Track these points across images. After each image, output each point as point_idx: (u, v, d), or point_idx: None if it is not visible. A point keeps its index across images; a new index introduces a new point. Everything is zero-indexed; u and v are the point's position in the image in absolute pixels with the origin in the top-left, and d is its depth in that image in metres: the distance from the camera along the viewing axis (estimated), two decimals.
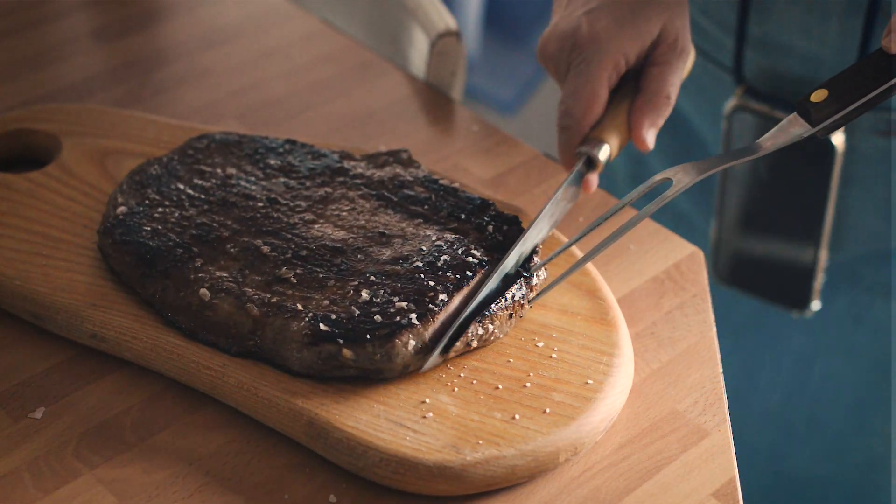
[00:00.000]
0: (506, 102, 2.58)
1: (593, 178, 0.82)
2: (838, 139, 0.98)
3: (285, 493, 0.69)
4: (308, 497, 0.69)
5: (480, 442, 0.69)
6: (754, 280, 0.98)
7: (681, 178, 0.77)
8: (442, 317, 0.73)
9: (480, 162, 0.95)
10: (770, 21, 0.98)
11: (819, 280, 1.06)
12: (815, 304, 1.07)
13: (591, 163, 0.81)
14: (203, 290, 0.74)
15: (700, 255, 0.87)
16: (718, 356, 0.79)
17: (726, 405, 0.76)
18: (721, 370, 0.78)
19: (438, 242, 0.77)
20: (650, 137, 0.82)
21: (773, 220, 1.06)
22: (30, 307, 0.77)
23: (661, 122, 0.82)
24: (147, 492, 0.69)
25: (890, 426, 1.12)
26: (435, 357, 0.72)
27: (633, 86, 0.83)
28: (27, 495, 0.69)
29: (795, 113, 0.77)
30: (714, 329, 0.81)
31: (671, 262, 0.86)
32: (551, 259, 0.79)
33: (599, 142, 0.80)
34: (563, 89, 0.82)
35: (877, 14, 0.93)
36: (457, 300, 0.74)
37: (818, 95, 0.76)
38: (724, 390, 0.77)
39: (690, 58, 0.85)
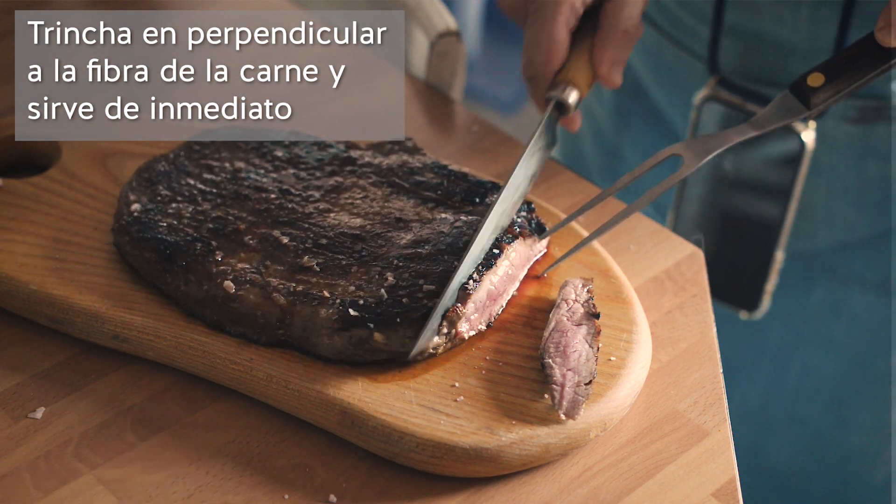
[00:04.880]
0: (506, 102, 2.58)
1: (574, 120, 0.83)
2: (809, 136, 0.99)
3: (285, 493, 0.69)
4: (308, 497, 0.69)
5: (513, 422, 0.70)
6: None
7: (690, 156, 0.78)
8: (474, 298, 0.73)
9: (480, 162, 0.95)
10: (746, 9, 0.98)
11: (772, 281, 1.06)
12: (765, 306, 1.07)
13: (562, 106, 0.82)
14: (227, 283, 0.75)
15: (700, 255, 0.87)
16: (718, 356, 0.79)
17: (726, 405, 0.76)
18: (721, 370, 0.78)
19: (457, 224, 0.78)
20: (615, 74, 0.82)
21: (732, 218, 1.06)
22: (47, 311, 0.77)
23: (624, 56, 0.82)
24: (147, 492, 0.69)
25: (870, 420, 1.12)
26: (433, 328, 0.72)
27: (594, 22, 0.83)
28: (27, 495, 0.69)
29: (788, 92, 0.79)
30: (714, 329, 0.81)
31: (671, 262, 0.86)
32: (553, 231, 0.81)
33: (566, 84, 0.81)
34: (524, 35, 0.82)
35: (854, 2, 0.93)
36: (486, 281, 0.75)
37: (815, 80, 0.79)
38: (723, 390, 0.77)
39: None
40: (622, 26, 0.82)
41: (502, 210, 0.77)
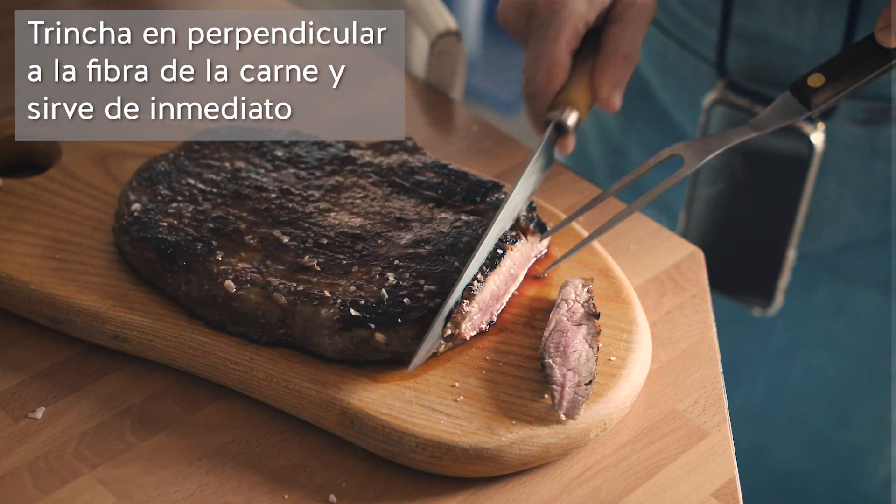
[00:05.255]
0: (506, 102, 2.58)
1: (569, 142, 0.82)
2: (818, 138, 0.99)
3: (285, 493, 0.69)
4: (308, 497, 0.69)
5: (513, 422, 0.70)
6: (718, 275, 1.00)
7: (690, 156, 0.79)
8: (478, 298, 0.73)
9: (480, 162, 0.95)
10: (752, 12, 0.98)
11: (785, 278, 1.06)
12: (779, 303, 1.08)
13: (561, 127, 0.81)
14: (228, 283, 0.75)
15: (700, 255, 0.87)
16: (718, 356, 0.79)
17: (726, 405, 0.76)
18: (721, 370, 0.78)
19: (457, 224, 0.78)
20: (615, 98, 0.82)
21: (743, 216, 1.07)
22: (48, 311, 0.77)
23: (624, 80, 0.82)
24: (147, 492, 0.69)
25: (871, 419, 1.12)
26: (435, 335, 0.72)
27: (595, 44, 0.83)
28: (27, 495, 0.69)
29: (789, 93, 0.79)
30: (714, 329, 0.81)
31: (671, 262, 0.87)
32: (555, 231, 0.81)
33: (566, 106, 0.80)
34: (525, 56, 0.82)
35: (860, 4, 0.94)
36: (491, 281, 0.75)
37: (815, 80, 0.79)
38: (724, 390, 0.77)
39: (651, 11, 0.84)
40: (624, 50, 0.81)
41: (499, 230, 0.77)
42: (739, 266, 0.94)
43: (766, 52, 1.00)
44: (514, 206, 0.78)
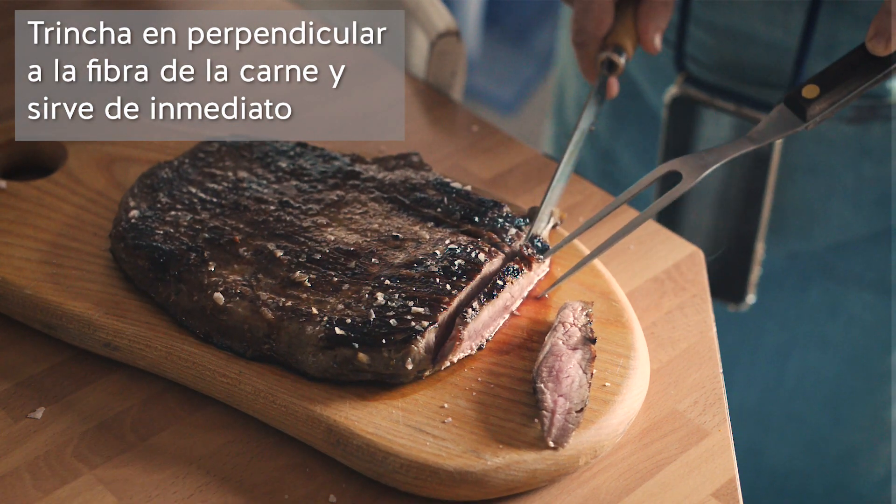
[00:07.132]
0: (506, 102, 2.58)
1: (614, 82, 0.90)
2: None
3: (285, 493, 0.69)
4: (308, 497, 0.69)
5: (501, 447, 0.68)
6: None
7: (688, 171, 0.79)
8: (470, 327, 0.73)
9: (480, 162, 0.95)
10: (723, 8, 0.99)
11: (755, 273, 1.06)
12: (751, 298, 1.07)
13: (611, 67, 0.90)
14: (217, 295, 0.74)
15: (700, 255, 0.87)
16: (718, 356, 0.79)
17: (726, 405, 0.76)
18: (721, 370, 0.78)
19: (452, 246, 0.77)
20: (657, 40, 0.90)
21: (711, 212, 1.07)
22: (41, 317, 0.77)
23: (665, 24, 0.90)
24: (147, 492, 0.69)
25: (866, 419, 1.12)
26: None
27: None
28: (27, 495, 0.69)
29: (783, 105, 0.80)
30: (714, 329, 0.81)
31: (671, 262, 0.87)
32: (556, 250, 0.80)
33: (616, 46, 0.89)
34: (573, 7, 0.90)
35: (820, 5, 0.94)
36: (485, 312, 0.74)
37: (810, 91, 0.79)
38: (724, 390, 0.77)
39: None
40: None
41: (573, 157, 0.86)
42: (711, 263, 0.95)
43: (726, 41, 1.00)
44: (579, 136, 0.86)
